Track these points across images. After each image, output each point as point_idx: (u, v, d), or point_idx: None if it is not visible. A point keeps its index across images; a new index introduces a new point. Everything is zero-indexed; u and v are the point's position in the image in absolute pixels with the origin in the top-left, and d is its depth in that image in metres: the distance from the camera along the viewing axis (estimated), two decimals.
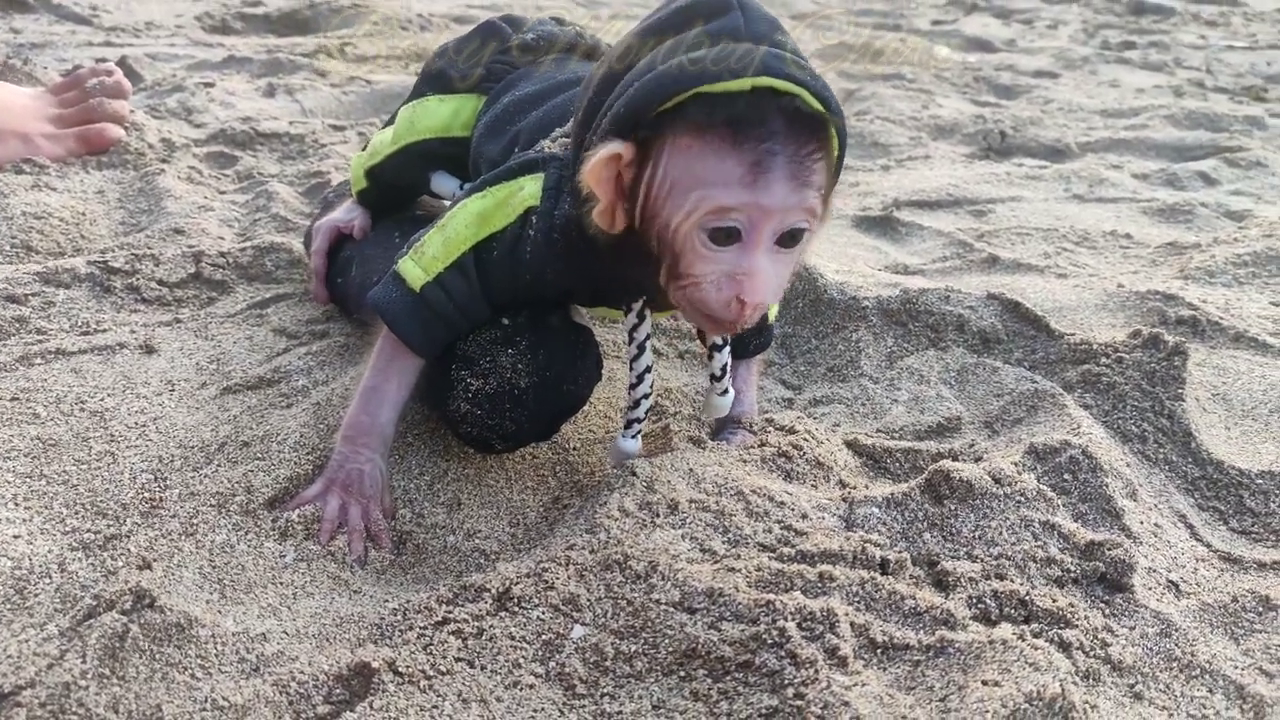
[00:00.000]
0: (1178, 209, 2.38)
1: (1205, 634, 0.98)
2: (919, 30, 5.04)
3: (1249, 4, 6.67)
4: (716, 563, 1.01)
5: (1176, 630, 0.96)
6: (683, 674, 0.90)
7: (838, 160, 0.95)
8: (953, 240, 2.06)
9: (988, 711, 0.80)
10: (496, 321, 1.16)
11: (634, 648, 0.92)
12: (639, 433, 1.21)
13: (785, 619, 0.91)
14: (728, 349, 1.20)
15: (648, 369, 1.17)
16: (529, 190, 1.09)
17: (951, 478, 1.09)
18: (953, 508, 1.08)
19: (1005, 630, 0.90)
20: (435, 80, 1.45)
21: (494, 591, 0.99)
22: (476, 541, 1.17)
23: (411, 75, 3.37)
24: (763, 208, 0.90)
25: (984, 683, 0.83)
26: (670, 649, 0.92)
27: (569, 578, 1.00)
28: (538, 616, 0.97)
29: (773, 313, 1.32)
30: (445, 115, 1.41)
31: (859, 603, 0.95)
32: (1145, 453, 1.32)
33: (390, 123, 1.52)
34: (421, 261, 1.12)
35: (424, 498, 1.21)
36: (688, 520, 1.07)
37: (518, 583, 1.00)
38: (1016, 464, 1.16)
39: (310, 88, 3.09)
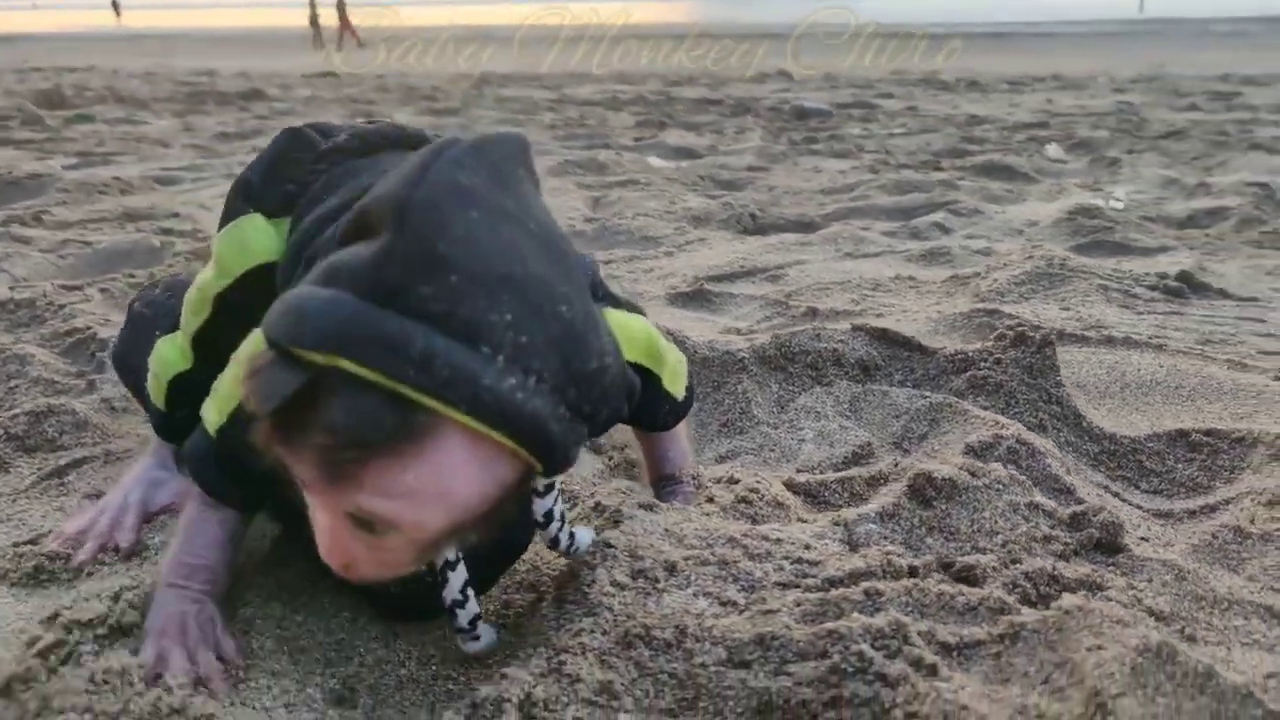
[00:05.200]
0: (936, 253, 2.60)
1: (1211, 571, 1.00)
2: (627, 146, 5.30)
3: (883, 105, 7.65)
4: (745, 611, 0.92)
5: (1189, 573, 0.98)
6: None
7: (535, 451, 0.73)
8: (768, 301, 2.12)
9: (1111, 674, 0.76)
10: None
11: None
12: (476, 635, 0.97)
13: (857, 642, 0.83)
14: (552, 494, 0.93)
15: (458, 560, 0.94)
16: None
17: (934, 479, 1.07)
18: (944, 508, 1.06)
19: (1070, 600, 0.87)
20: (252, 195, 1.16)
21: (515, 701, 0.84)
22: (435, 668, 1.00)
23: (134, 233, 3.06)
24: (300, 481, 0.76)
25: (1087, 649, 0.79)
26: (739, 711, 0.82)
27: (592, 665, 0.87)
28: (573, 717, 0.83)
29: (675, 383, 1.12)
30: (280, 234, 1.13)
31: (913, 612, 0.90)
32: (1051, 440, 1.38)
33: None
34: (216, 401, 0.98)
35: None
36: (692, 578, 0.97)
37: (536, 685, 0.85)
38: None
39: (17, 255, 2.71)
